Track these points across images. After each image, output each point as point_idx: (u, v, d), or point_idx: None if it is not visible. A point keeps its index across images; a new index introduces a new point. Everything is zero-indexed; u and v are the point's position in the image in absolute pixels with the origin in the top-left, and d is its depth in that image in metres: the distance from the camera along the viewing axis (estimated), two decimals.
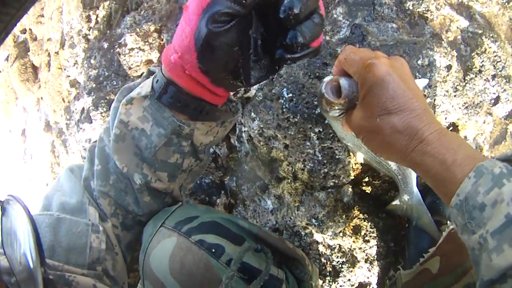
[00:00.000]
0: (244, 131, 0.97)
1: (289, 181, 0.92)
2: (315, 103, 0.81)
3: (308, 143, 0.85)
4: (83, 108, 1.44)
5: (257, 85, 0.95)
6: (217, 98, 0.55)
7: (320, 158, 0.85)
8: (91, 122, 1.35)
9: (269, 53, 0.45)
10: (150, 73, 0.62)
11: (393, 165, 0.72)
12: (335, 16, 0.93)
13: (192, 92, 0.52)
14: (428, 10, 0.87)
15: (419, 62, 0.78)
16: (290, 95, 0.83)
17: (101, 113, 1.32)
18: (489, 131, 0.92)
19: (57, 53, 2.75)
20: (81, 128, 1.41)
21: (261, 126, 0.89)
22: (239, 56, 0.43)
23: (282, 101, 0.84)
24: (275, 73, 0.43)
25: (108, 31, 1.83)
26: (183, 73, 0.49)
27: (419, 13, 0.88)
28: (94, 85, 1.39)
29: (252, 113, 0.90)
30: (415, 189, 0.76)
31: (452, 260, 0.65)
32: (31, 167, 3.72)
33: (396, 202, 0.85)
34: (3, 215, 0.46)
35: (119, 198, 0.62)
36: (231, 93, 0.70)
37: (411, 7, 0.88)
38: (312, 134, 0.84)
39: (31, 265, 0.41)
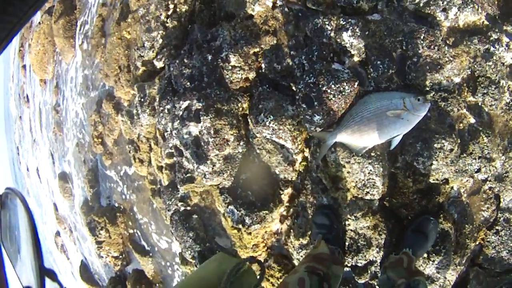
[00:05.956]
0: (318, 153, 1.59)
1: (344, 191, 1.56)
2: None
3: (362, 175, 1.47)
4: (189, 108, 1.79)
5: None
6: None
7: (365, 184, 1.48)
8: (199, 122, 1.76)
9: None
10: None
11: None
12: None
13: None
14: (452, 110, 1.43)
15: (435, 145, 1.37)
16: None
17: (210, 118, 1.71)
18: (469, 186, 1.51)
19: (118, 24, 3.09)
20: (186, 124, 1.80)
21: (336, 158, 1.51)
22: None
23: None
24: None
25: (189, 26, 2.17)
26: None
27: (445, 110, 1.44)
28: (188, 84, 1.73)
29: (332, 148, 1.52)
30: None
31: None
32: (63, 117, 4.05)
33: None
34: (1, 208, 0.46)
35: None
36: None
37: (442, 106, 1.44)
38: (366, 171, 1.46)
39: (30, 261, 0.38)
